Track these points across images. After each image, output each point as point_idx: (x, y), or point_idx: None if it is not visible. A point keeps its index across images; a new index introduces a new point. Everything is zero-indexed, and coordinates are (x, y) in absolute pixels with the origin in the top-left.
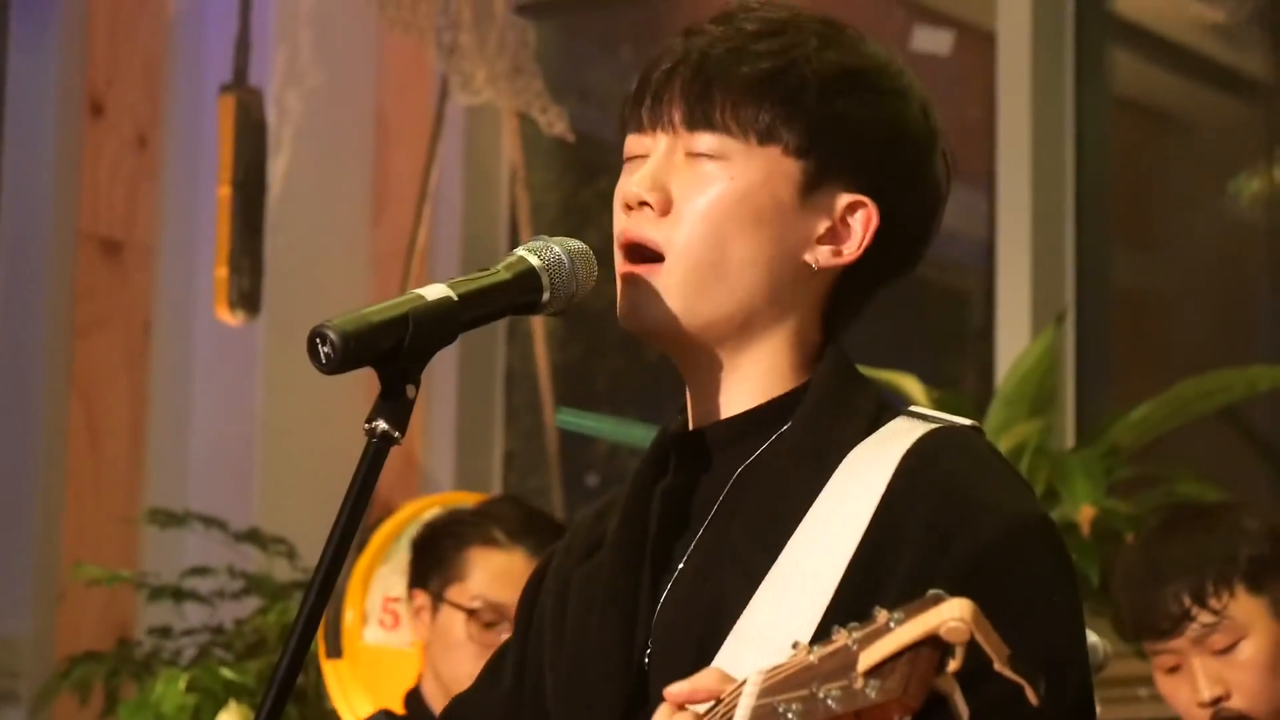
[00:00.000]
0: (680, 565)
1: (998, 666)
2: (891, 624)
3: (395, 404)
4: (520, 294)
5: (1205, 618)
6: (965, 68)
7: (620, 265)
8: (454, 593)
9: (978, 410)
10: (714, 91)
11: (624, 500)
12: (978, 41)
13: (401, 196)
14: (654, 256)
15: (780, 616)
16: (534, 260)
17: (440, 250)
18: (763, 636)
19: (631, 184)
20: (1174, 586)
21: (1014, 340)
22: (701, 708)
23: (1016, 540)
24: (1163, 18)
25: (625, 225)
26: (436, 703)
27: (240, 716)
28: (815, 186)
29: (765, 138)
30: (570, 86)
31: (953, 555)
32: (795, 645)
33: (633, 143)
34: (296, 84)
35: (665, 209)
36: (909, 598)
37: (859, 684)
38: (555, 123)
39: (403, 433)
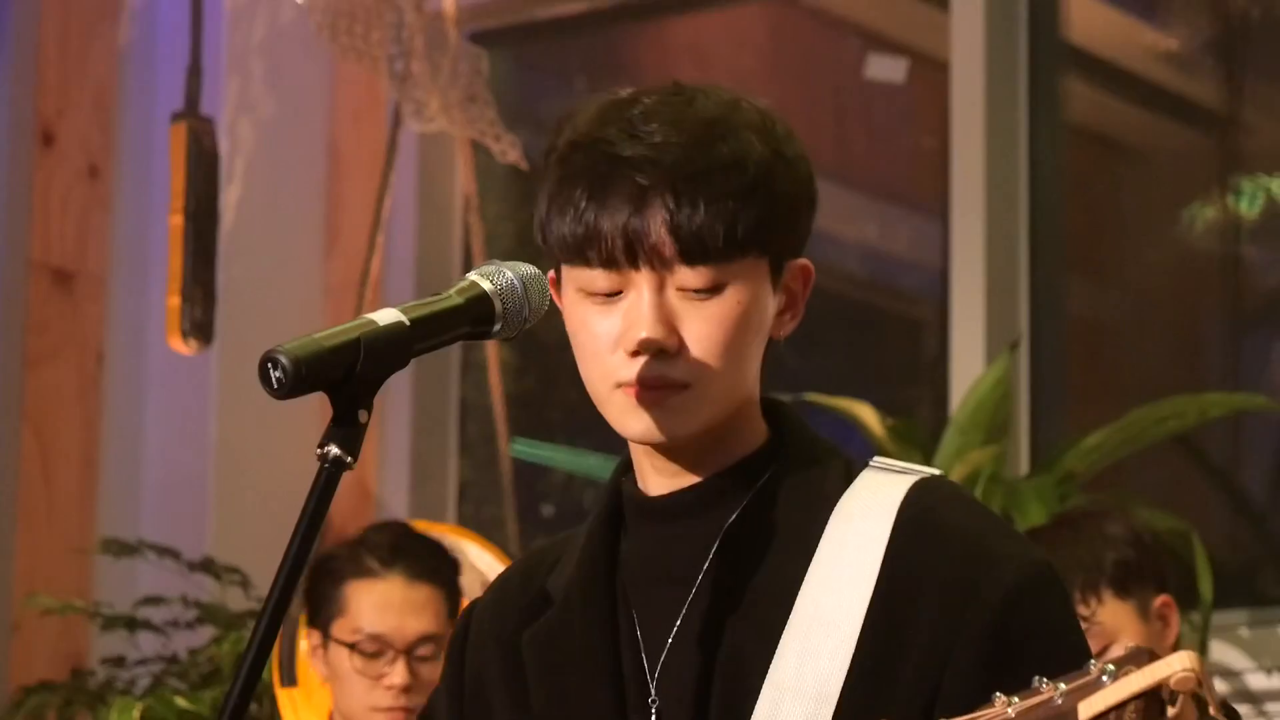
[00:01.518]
0: (677, 623)
1: (1213, 712)
2: (1105, 677)
3: (347, 429)
4: (472, 319)
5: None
6: (919, 96)
7: (633, 392)
8: (337, 628)
9: (932, 438)
10: (704, 224)
11: (582, 559)
12: (932, 70)
13: (354, 225)
14: (679, 385)
15: (810, 665)
16: (486, 285)
17: (394, 279)
18: (798, 685)
19: (641, 329)
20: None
21: (968, 368)
22: None
23: (1035, 584)
24: (1116, 46)
25: (642, 372)
26: None
27: None
28: (779, 272)
29: (746, 250)
30: (524, 115)
31: (980, 603)
32: (994, 699)
33: (598, 278)
34: (249, 113)
35: (679, 350)
36: (940, 641)
37: None
38: (509, 151)
39: (355, 458)
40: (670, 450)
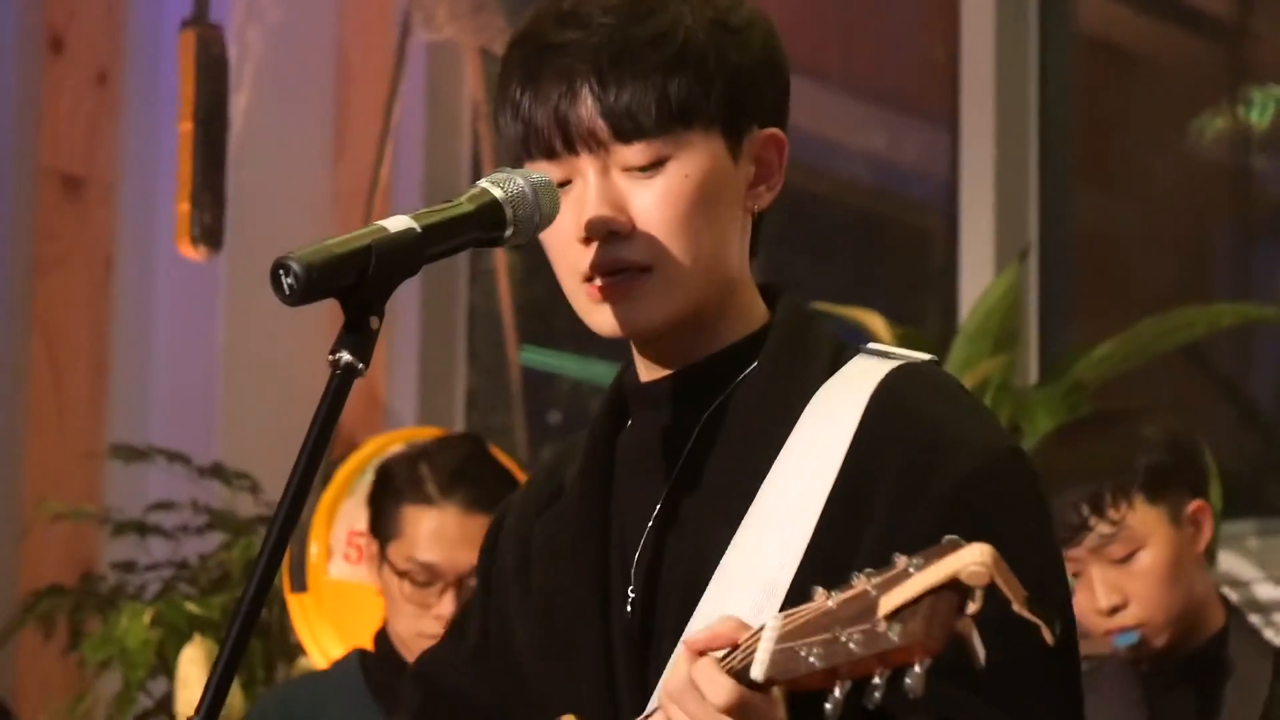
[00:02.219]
0: (654, 513)
1: (1016, 608)
2: (911, 569)
3: (359, 336)
4: (483, 226)
5: (1103, 528)
6: (929, 6)
7: (597, 285)
8: (391, 550)
9: (941, 347)
10: (633, 100)
11: (584, 451)
12: None
13: (363, 132)
14: (638, 269)
15: (761, 558)
16: (497, 192)
17: (402, 187)
18: (746, 578)
19: (589, 212)
20: (1072, 496)
21: (977, 278)
22: (719, 653)
23: (991, 472)
24: None
25: (597, 257)
26: (400, 645)
27: (205, 650)
28: (738, 143)
29: (689, 121)
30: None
31: (930, 492)
32: (814, 591)
33: (545, 171)
34: (257, 20)
35: (631, 229)
36: (889, 536)
37: (881, 627)
38: None
39: (366, 364)
40: (651, 341)
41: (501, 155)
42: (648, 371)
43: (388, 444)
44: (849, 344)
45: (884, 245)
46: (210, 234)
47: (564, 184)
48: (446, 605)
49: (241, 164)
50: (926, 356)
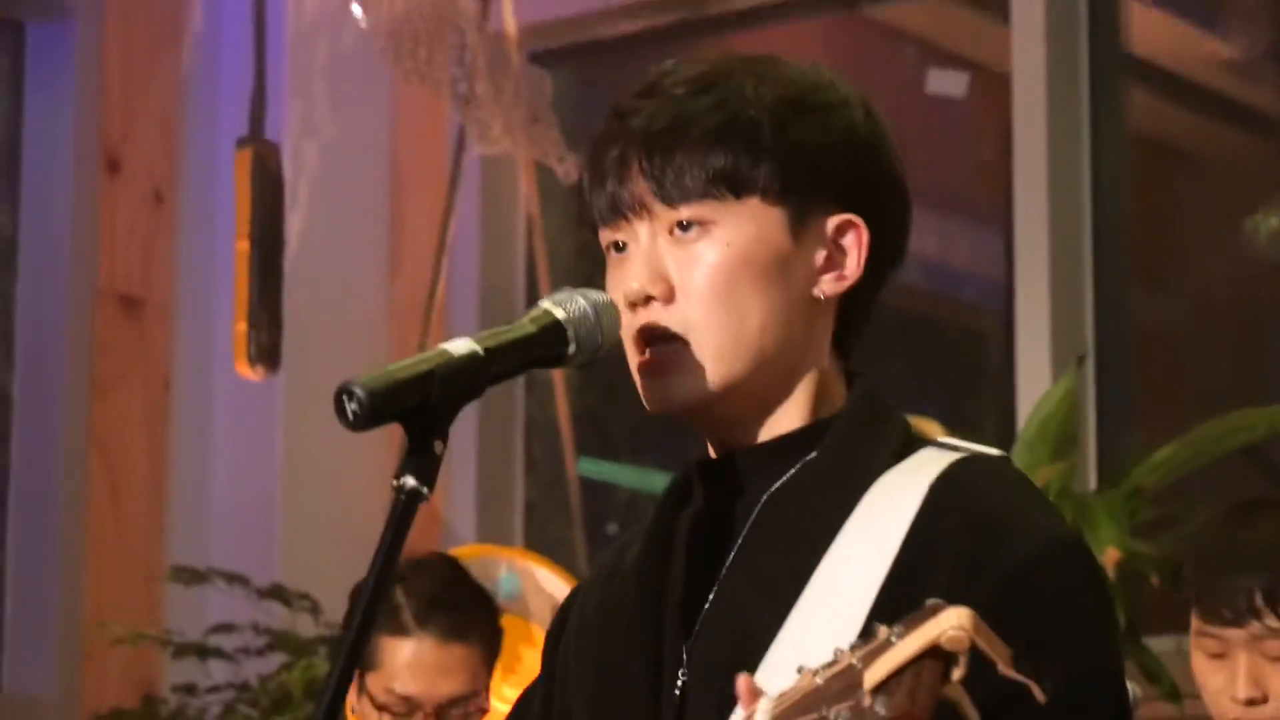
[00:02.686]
0: (712, 594)
1: (1001, 669)
2: (893, 639)
3: (423, 460)
4: (546, 347)
5: (1271, 621)
6: (980, 109)
7: (639, 356)
8: (370, 681)
9: None
10: (675, 158)
11: (647, 528)
12: (993, 83)
13: (419, 248)
14: (675, 340)
15: (813, 641)
16: (559, 313)
17: (458, 301)
18: (793, 665)
19: (629, 280)
20: (1247, 580)
21: (1034, 382)
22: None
23: (1049, 560)
24: (1177, 55)
25: (636, 322)
26: None
27: None
28: (802, 223)
29: (740, 190)
30: (586, 134)
31: (986, 578)
32: (800, 670)
33: (606, 235)
34: (312, 137)
35: (671, 296)
36: None
37: (867, 702)
38: (572, 171)
39: (431, 489)
40: (703, 423)
41: (558, 269)
42: (716, 452)
43: None
44: (920, 436)
45: (939, 349)
46: (268, 353)
47: (623, 246)
48: None
49: (298, 282)
50: (997, 452)
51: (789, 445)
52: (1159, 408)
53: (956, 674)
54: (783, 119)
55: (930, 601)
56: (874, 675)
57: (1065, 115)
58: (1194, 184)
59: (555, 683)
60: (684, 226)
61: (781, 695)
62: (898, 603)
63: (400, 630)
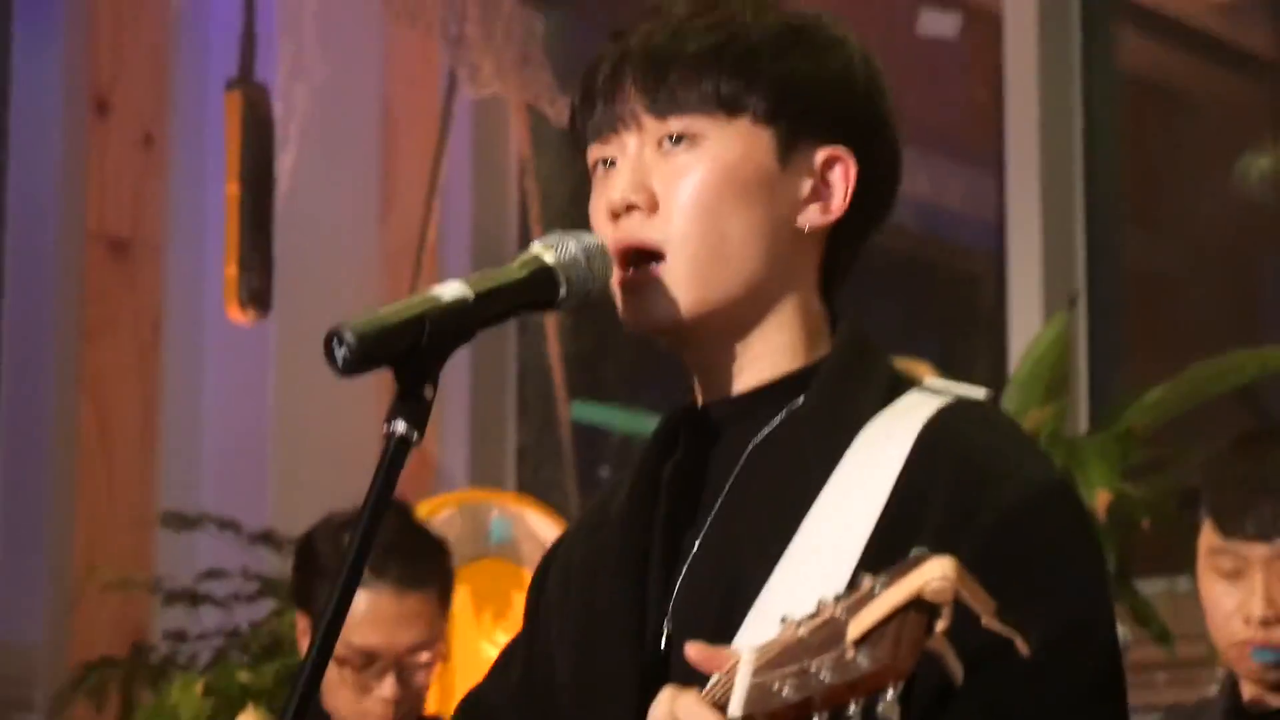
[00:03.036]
0: (696, 542)
1: (985, 621)
2: (876, 590)
3: (413, 405)
4: (537, 291)
5: None
6: (972, 51)
7: (619, 274)
8: None
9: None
10: (670, 73)
11: (631, 477)
12: (984, 24)
13: (410, 191)
14: (654, 257)
15: (801, 592)
16: (549, 257)
17: (450, 244)
18: (785, 612)
19: (613, 190)
20: (1272, 498)
21: (1026, 324)
22: (712, 678)
23: (1037, 506)
24: None
25: (617, 233)
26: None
27: (260, 717)
28: (791, 148)
29: (733, 109)
30: (578, 75)
31: (975, 524)
32: (783, 620)
33: (595, 152)
34: (302, 79)
35: (654, 207)
36: None
37: (850, 654)
38: (564, 113)
39: (421, 434)
40: (696, 357)
41: (550, 211)
42: (702, 398)
43: (440, 506)
44: (906, 378)
45: (931, 290)
46: (258, 297)
47: (611, 163)
48: (387, 687)
49: (289, 225)
50: (982, 393)
51: (774, 392)
52: (1151, 350)
53: (940, 625)
54: (781, 46)
55: (914, 551)
56: (857, 627)
57: (1057, 56)
58: (1185, 125)
59: (538, 634)
60: (673, 140)
61: (765, 645)
62: (887, 552)
63: None
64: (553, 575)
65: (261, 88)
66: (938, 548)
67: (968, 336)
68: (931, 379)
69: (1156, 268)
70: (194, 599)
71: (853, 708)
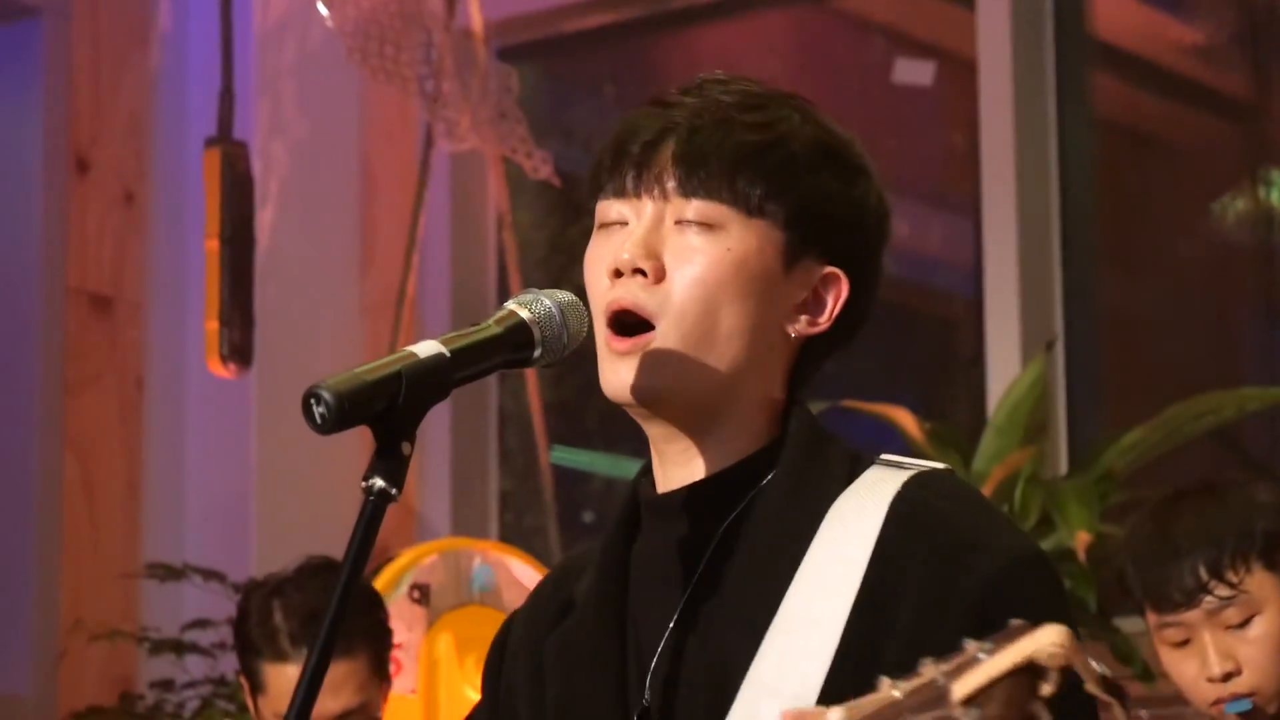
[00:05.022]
0: (671, 622)
1: (1089, 687)
2: (981, 655)
3: (391, 461)
4: (512, 348)
5: (1221, 591)
6: (948, 97)
7: (608, 338)
8: (260, 703)
9: (970, 439)
10: (710, 160)
11: (598, 563)
12: (959, 70)
13: (389, 245)
14: (644, 327)
15: (790, 664)
16: (524, 314)
17: (429, 297)
18: (776, 685)
19: (624, 250)
20: (1190, 559)
21: (1005, 367)
22: None
23: (1016, 575)
24: (1143, 40)
25: (616, 293)
26: None
27: None
28: (798, 257)
29: (758, 209)
30: (554, 128)
31: (956, 597)
32: (879, 682)
33: (610, 207)
34: (281, 135)
35: (659, 277)
36: (916, 642)
37: (957, 713)
38: (540, 167)
39: (400, 490)
40: (662, 437)
41: (528, 263)
42: (665, 482)
43: (421, 555)
44: (864, 455)
45: (911, 336)
46: (239, 351)
47: (623, 224)
48: None
49: (269, 280)
50: (942, 466)
51: (739, 476)
52: (1128, 392)
53: (1046, 690)
54: (816, 162)
55: (1014, 622)
56: (963, 688)
57: (1032, 101)
58: (1161, 168)
59: (500, 709)
60: (692, 222)
61: (855, 705)
62: (868, 625)
63: (279, 656)
64: (517, 658)
65: (240, 145)
66: (921, 617)
67: (947, 380)
68: (887, 455)
69: (1134, 310)
70: (180, 648)
71: None
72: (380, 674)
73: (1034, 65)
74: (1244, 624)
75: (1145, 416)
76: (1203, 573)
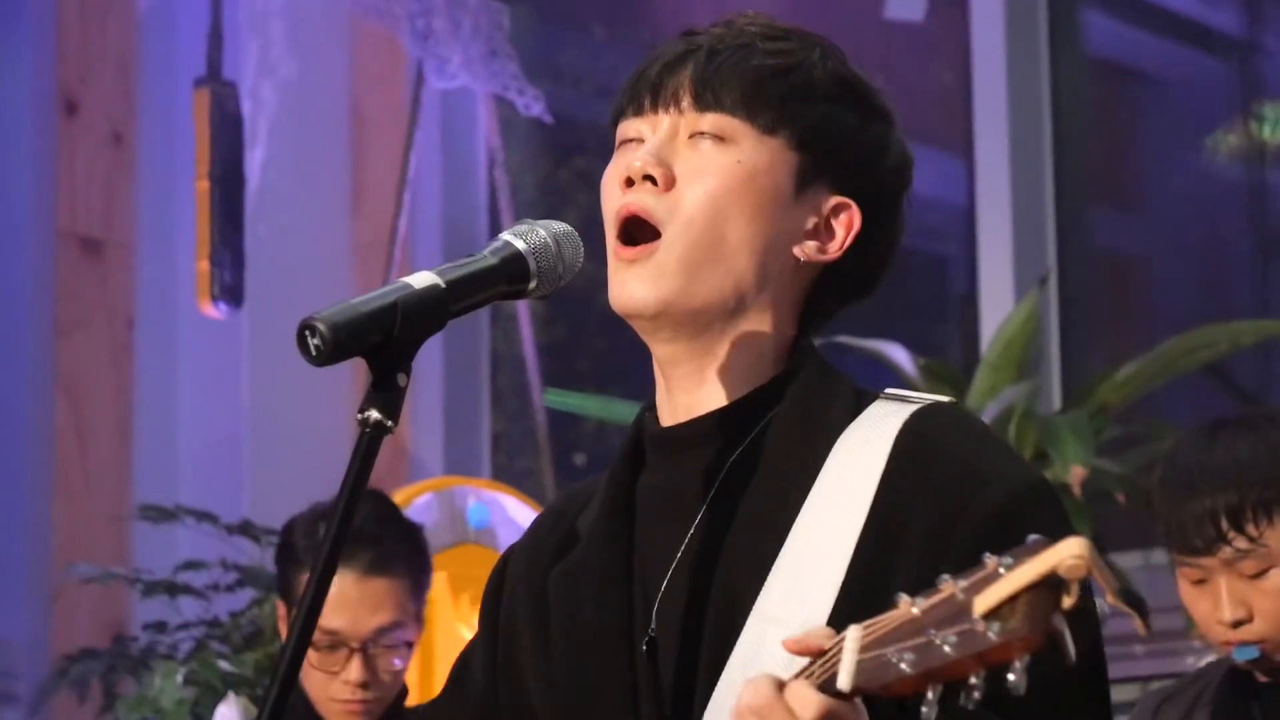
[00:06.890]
0: (678, 555)
1: (1110, 599)
2: (1002, 569)
3: (387, 393)
4: (507, 279)
5: (1240, 543)
6: (939, 33)
7: (616, 248)
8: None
9: (964, 376)
10: (727, 77)
11: (604, 497)
12: (951, 7)
13: (380, 184)
14: (651, 235)
15: (798, 594)
16: (520, 245)
17: (421, 236)
18: (784, 614)
19: (635, 158)
20: (1209, 504)
21: (998, 305)
22: (798, 663)
23: (1022, 503)
24: None
25: (624, 199)
26: (315, 703)
27: (239, 707)
28: (808, 182)
29: (772, 128)
30: (545, 67)
31: (963, 526)
32: (897, 599)
33: (629, 126)
34: (270, 75)
35: (669, 184)
36: (925, 570)
37: (980, 627)
38: (532, 104)
39: (395, 422)
40: (669, 359)
41: (520, 201)
42: (672, 413)
43: (415, 494)
44: (868, 390)
45: (904, 275)
46: (231, 291)
47: (640, 141)
48: (354, 671)
49: (259, 220)
50: (946, 399)
51: (744, 410)
52: (1122, 327)
53: (1068, 602)
54: (836, 93)
55: (1032, 537)
56: (985, 602)
57: (1024, 38)
58: (1153, 105)
59: (499, 641)
60: (706, 134)
61: (872, 623)
62: (875, 555)
63: None
64: (516, 591)
65: (230, 85)
66: (929, 546)
67: (941, 317)
68: (892, 388)
69: (1127, 246)
70: (173, 590)
71: (974, 679)
72: (417, 599)
73: (1026, 2)
74: (1261, 574)
75: (1139, 351)
76: (1224, 523)
